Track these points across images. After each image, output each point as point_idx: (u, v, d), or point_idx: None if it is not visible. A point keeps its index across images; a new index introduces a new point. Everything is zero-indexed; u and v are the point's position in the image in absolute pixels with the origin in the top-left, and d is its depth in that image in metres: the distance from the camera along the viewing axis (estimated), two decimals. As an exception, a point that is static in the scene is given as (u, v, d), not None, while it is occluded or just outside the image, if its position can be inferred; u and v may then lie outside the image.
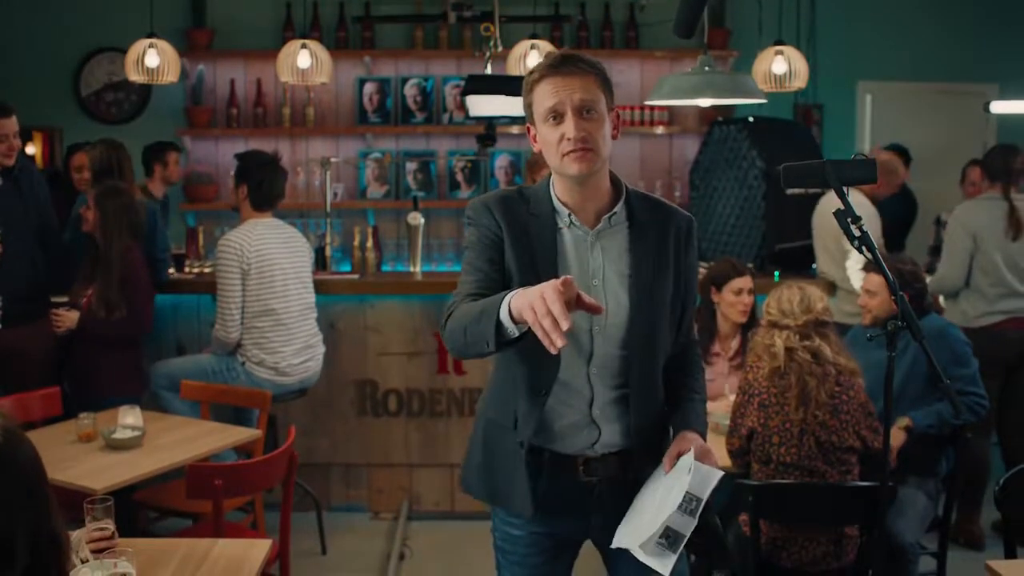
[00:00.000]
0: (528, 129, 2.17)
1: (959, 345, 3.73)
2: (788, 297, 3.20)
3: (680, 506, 2.03)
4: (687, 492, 2.03)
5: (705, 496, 2.04)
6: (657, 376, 2.21)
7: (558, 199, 2.16)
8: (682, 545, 2.04)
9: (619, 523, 2.16)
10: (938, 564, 3.54)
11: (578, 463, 2.18)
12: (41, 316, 4.18)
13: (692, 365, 2.32)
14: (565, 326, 1.70)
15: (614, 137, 2.13)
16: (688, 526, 2.04)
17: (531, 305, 1.74)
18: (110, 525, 2.30)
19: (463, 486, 2.42)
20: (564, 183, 2.14)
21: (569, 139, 2.04)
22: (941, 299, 4.82)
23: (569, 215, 2.14)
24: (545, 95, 2.07)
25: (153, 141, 5.77)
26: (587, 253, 2.14)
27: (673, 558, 2.04)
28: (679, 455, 2.10)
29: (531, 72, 2.12)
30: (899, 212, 6.13)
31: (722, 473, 2.06)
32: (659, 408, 2.23)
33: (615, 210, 2.15)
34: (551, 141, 2.07)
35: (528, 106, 2.13)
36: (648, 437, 2.19)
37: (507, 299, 1.85)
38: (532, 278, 2.06)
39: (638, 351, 2.14)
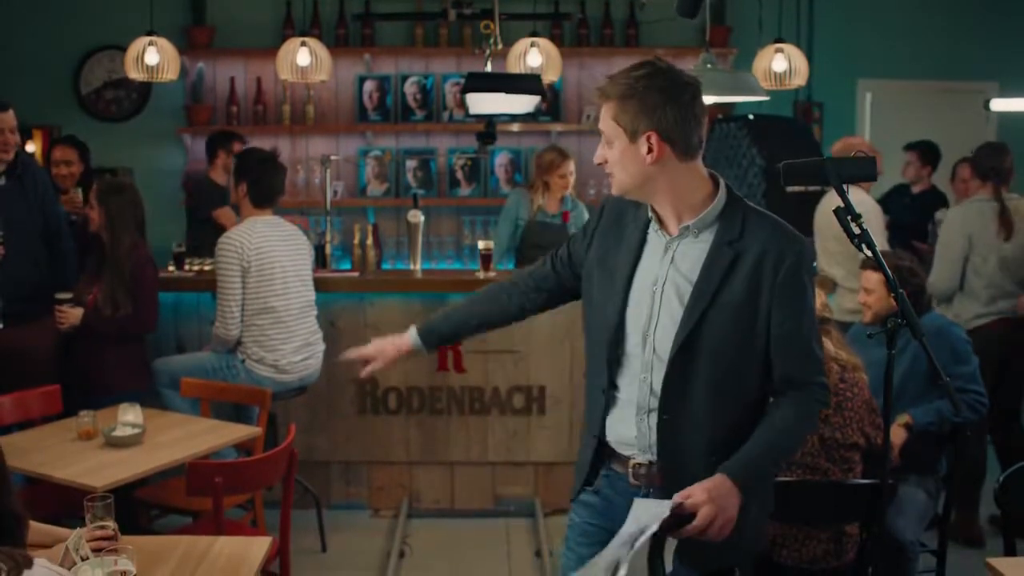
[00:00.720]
0: None
1: (959, 343, 3.73)
2: None
3: (624, 538, 2.00)
4: (635, 524, 2.00)
5: (649, 528, 1.96)
6: (699, 399, 2.11)
7: (651, 206, 2.22)
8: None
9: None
10: (938, 562, 3.54)
11: (629, 464, 2.20)
12: (44, 315, 4.17)
13: (785, 410, 2.13)
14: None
15: (650, 161, 2.08)
16: (624, 557, 1.98)
17: None
18: (111, 523, 2.30)
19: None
20: None
21: None
22: (934, 302, 4.81)
23: (653, 220, 2.20)
24: None
25: (218, 130, 5.93)
26: (659, 259, 2.17)
27: None
28: (688, 496, 2.01)
29: None
30: (932, 210, 6.08)
31: (667, 513, 1.97)
32: (699, 432, 2.12)
33: (691, 221, 2.14)
34: None
35: None
36: (677, 457, 2.12)
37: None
38: (607, 275, 2.22)
39: (677, 366, 2.10)
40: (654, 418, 2.14)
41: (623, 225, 2.25)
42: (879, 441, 3.09)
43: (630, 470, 2.19)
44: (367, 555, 4.48)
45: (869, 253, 2.26)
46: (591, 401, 2.28)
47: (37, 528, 2.26)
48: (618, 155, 2.12)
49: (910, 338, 2.28)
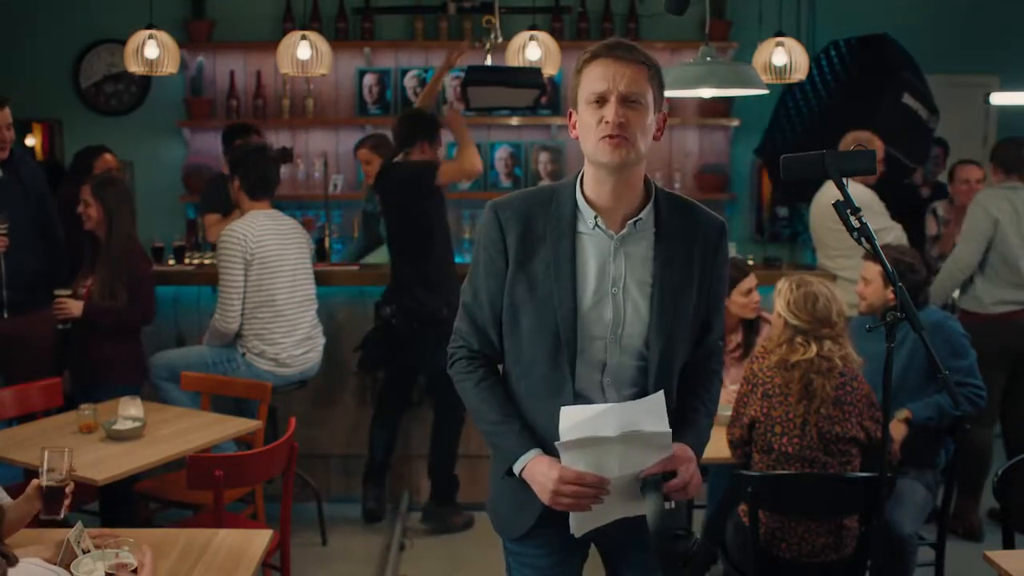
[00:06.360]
0: (569, 115, 2.12)
1: (956, 337, 3.73)
2: (823, 305, 3.12)
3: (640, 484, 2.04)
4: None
5: (642, 426, 1.99)
6: (672, 387, 2.14)
7: (585, 198, 2.10)
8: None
9: (626, 529, 2.12)
10: (936, 555, 3.55)
11: None
12: (44, 305, 4.19)
13: (707, 376, 2.24)
14: (585, 504, 2.02)
15: (656, 138, 2.08)
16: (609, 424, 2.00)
17: (548, 501, 2.05)
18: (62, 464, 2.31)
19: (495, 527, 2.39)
20: (596, 175, 2.08)
21: (607, 123, 2.00)
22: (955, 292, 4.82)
23: (595, 217, 2.08)
24: (594, 77, 2.03)
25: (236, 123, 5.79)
26: (609, 260, 2.08)
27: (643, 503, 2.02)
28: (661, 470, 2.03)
29: (585, 52, 2.07)
30: None
31: (669, 447, 2.01)
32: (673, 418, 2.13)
33: (641, 215, 2.09)
34: (590, 124, 2.03)
35: (575, 88, 2.08)
36: None
37: (522, 461, 2.11)
38: (547, 288, 2.07)
39: (654, 362, 2.09)
40: None
41: (538, 231, 2.10)
42: (878, 435, 3.09)
43: None
44: (367, 548, 4.49)
45: (869, 247, 2.27)
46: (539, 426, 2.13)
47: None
48: (642, 120, 2.02)
49: (908, 332, 2.28)
